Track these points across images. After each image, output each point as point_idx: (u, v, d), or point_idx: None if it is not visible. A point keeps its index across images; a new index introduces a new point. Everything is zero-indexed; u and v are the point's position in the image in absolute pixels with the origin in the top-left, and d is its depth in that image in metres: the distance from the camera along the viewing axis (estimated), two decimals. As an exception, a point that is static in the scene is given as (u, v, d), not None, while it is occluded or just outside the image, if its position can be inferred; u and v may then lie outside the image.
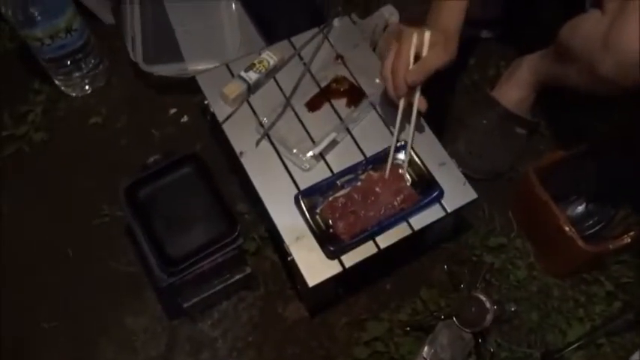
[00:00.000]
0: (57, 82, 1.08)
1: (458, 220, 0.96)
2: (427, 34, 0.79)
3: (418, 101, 0.82)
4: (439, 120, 1.05)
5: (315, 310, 0.91)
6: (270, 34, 1.04)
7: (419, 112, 0.84)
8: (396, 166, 0.86)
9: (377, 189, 0.84)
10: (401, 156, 0.86)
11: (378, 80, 0.93)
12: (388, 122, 0.90)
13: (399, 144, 0.86)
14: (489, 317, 0.84)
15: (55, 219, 0.99)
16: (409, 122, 0.85)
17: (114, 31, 1.14)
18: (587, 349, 0.88)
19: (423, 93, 0.83)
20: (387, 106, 0.90)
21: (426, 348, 0.85)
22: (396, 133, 0.85)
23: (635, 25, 0.69)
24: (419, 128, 0.89)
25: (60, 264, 0.95)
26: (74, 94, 1.10)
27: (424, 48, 0.79)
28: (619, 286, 0.93)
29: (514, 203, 0.99)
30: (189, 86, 0.96)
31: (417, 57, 0.80)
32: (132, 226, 0.81)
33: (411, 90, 0.81)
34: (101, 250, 0.96)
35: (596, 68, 0.74)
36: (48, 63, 1.03)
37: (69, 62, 1.03)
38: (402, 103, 0.83)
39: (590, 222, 0.93)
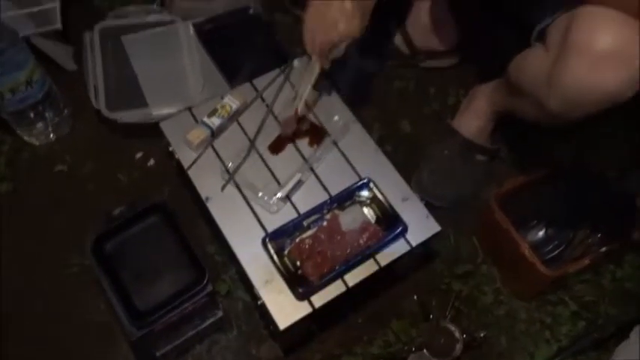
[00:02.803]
0: (19, 132, 1.07)
1: (425, 250, 0.97)
2: None
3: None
4: (401, 151, 1.07)
5: (289, 349, 0.92)
6: (233, 76, 1.05)
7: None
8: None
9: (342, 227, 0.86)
10: (364, 193, 0.88)
11: (336, 117, 0.95)
12: (350, 158, 0.92)
13: (361, 182, 0.88)
14: (459, 346, 0.87)
15: (23, 271, 0.98)
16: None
17: (77, 77, 1.12)
18: (555, 370, 0.91)
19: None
20: (348, 141, 0.93)
21: (399, 380, 0.86)
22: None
23: (576, 61, 0.70)
24: (381, 164, 0.92)
25: (29, 317, 0.94)
26: (38, 143, 1.08)
27: None
28: (583, 305, 0.96)
29: (478, 230, 1.01)
30: (154, 129, 0.96)
31: None
32: (100, 279, 0.81)
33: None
34: (72, 301, 0.95)
35: (543, 104, 0.77)
36: (9, 116, 1.02)
37: (31, 114, 1.02)
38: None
39: (550, 246, 0.96)
